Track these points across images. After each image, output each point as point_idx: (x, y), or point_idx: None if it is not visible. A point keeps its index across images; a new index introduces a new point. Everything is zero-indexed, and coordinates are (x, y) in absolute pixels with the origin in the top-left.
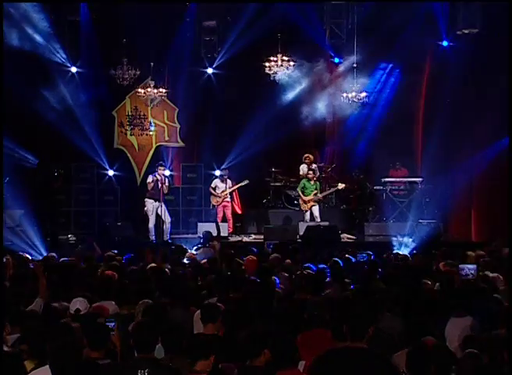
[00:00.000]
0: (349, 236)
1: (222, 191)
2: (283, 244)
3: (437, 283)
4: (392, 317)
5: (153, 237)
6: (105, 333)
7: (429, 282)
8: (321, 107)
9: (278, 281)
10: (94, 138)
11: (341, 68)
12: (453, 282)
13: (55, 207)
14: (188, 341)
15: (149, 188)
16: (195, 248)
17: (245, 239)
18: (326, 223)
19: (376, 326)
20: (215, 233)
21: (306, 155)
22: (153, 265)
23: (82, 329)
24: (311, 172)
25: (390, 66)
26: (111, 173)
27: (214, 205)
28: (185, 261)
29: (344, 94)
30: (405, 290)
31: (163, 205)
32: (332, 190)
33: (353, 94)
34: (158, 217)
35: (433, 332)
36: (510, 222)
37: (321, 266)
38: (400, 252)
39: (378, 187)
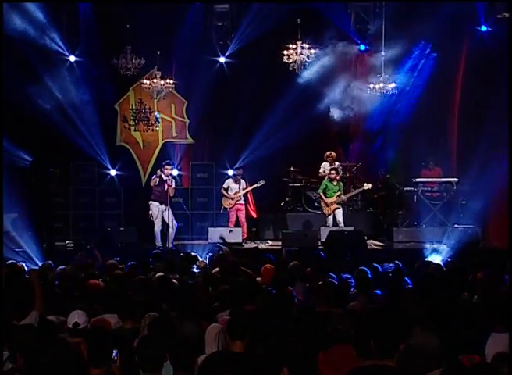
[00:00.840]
0: (376, 242)
1: (236, 193)
2: (303, 252)
3: (475, 296)
4: (425, 332)
5: (159, 244)
6: (108, 349)
7: (466, 294)
8: (345, 100)
9: (296, 292)
10: (94, 134)
11: (368, 56)
12: (493, 294)
13: (52, 210)
14: (201, 359)
15: (154, 189)
16: (208, 255)
17: (261, 246)
18: (351, 228)
19: (407, 342)
20: (228, 239)
21: (328, 152)
22: (160, 274)
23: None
24: (333, 171)
25: (423, 53)
26: (113, 172)
27: (226, 208)
28: (194, 270)
29: (371, 85)
30: (439, 302)
31: (169, 209)
32: (358, 191)
33: (381, 85)
34: (165, 222)
35: (471, 349)
36: (510, 222)
37: (346, 275)
38: (434, 261)
39: (408, 189)
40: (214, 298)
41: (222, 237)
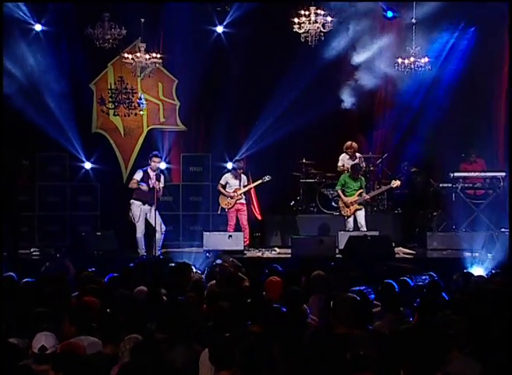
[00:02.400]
0: (406, 250)
1: (236, 190)
2: (318, 261)
3: None
4: (465, 358)
5: (143, 251)
6: None
7: None
8: (368, 78)
9: (309, 310)
10: (64, 119)
11: (396, 25)
12: None
13: (15, 211)
14: None
15: (135, 186)
16: (203, 266)
17: (266, 254)
18: (375, 233)
19: (443, 369)
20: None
21: (348, 142)
22: (144, 288)
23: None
24: (355, 167)
25: (462, 24)
26: (87, 165)
27: (224, 209)
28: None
29: (399, 60)
30: (482, 322)
31: (155, 210)
32: (384, 189)
33: (412, 59)
34: (149, 225)
35: None
36: (510, 222)
37: (369, 290)
38: (475, 272)
39: (445, 185)
40: (209, 317)
41: (219, 244)
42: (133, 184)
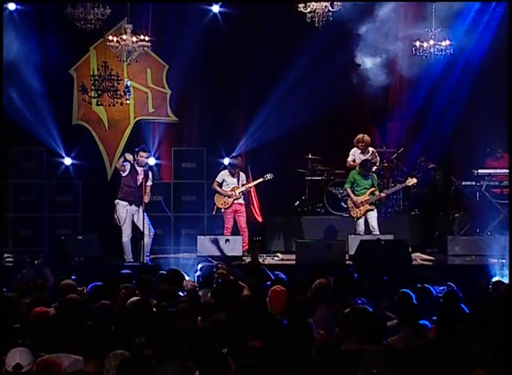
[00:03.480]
0: (424, 256)
1: (233, 189)
2: (325, 269)
3: None
4: None
5: (130, 257)
6: None
7: None
8: (381, 63)
9: (315, 323)
10: (42, 110)
11: (413, 3)
12: None
13: None
14: None
15: (122, 184)
16: (197, 273)
17: (268, 261)
18: (390, 237)
19: None
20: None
21: (360, 135)
22: (132, 299)
23: None
24: (365, 162)
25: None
26: (67, 161)
27: (220, 210)
28: (179, 293)
29: (417, 43)
30: (508, 337)
31: (140, 211)
32: (399, 187)
33: (431, 42)
34: (137, 228)
35: None
36: (510, 222)
37: (383, 301)
38: (502, 281)
39: (468, 183)
40: (204, 330)
41: (215, 249)
42: (119, 165)
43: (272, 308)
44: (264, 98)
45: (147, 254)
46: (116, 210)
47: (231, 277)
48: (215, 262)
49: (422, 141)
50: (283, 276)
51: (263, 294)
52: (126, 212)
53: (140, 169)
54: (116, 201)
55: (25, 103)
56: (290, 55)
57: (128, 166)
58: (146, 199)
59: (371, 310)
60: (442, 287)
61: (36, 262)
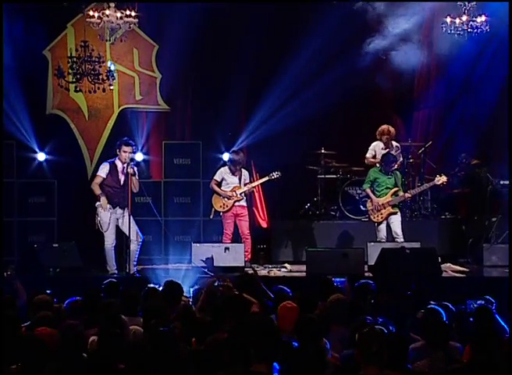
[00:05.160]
0: (456, 267)
1: (234, 188)
2: (340, 282)
3: None
4: None
5: (113, 268)
6: None
7: None
8: (406, 44)
9: (329, 344)
10: (11, 97)
11: None
12: None
13: None
14: None
15: (104, 184)
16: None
17: (274, 272)
18: (416, 245)
19: None
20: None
21: (383, 126)
22: (138, 328)
23: None
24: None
25: None
26: (41, 157)
27: (219, 213)
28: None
29: (448, 20)
30: None
31: (126, 214)
32: (427, 186)
33: (464, 18)
34: (121, 234)
35: None
36: (510, 223)
37: (407, 319)
38: None
39: (506, 182)
40: (201, 353)
41: (212, 259)
42: (95, 185)
43: (280, 327)
44: (269, 83)
45: (135, 264)
46: (98, 213)
47: (235, 291)
48: (213, 274)
49: (453, 132)
50: (287, 291)
51: (269, 312)
52: (109, 215)
53: (120, 167)
54: (97, 203)
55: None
56: (301, 36)
57: (107, 170)
58: (135, 189)
59: (393, 330)
60: (478, 302)
61: (5, 274)
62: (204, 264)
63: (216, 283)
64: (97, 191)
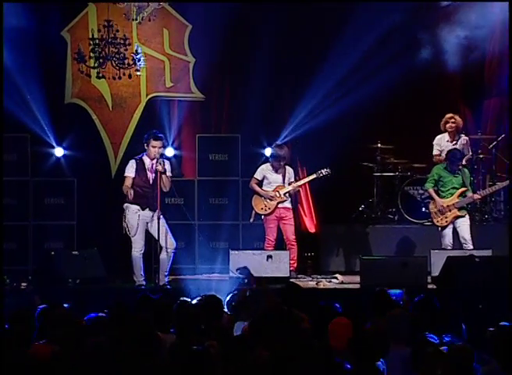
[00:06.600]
0: None
1: (277, 188)
2: (398, 294)
3: None
4: None
5: (141, 279)
6: None
7: None
8: (472, 28)
9: (386, 366)
10: (25, 85)
11: None
12: None
13: None
14: None
15: (130, 185)
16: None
17: (324, 283)
18: (487, 253)
19: None
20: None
21: (448, 116)
22: (155, 334)
23: None
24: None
25: None
26: (59, 152)
27: (260, 216)
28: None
29: None
30: None
31: (156, 216)
32: (500, 186)
33: None
34: (152, 239)
35: None
36: (510, 224)
37: (477, 337)
38: None
39: None
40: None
41: (253, 268)
42: (126, 188)
43: (333, 346)
44: (317, 70)
45: (166, 274)
46: (125, 216)
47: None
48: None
49: None
50: (337, 306)
51: (322, 329)
52: (137, 218)
53: (150, 163)
54: (125, 205)
55: (7, 78)
56: (352, 19)
57: (135, 168)
58: (165, 188)
59: (461, 351)
60: None
61: (22, 287)
62: (242, 275)
63: (248, 293)
64: (131, 194)
